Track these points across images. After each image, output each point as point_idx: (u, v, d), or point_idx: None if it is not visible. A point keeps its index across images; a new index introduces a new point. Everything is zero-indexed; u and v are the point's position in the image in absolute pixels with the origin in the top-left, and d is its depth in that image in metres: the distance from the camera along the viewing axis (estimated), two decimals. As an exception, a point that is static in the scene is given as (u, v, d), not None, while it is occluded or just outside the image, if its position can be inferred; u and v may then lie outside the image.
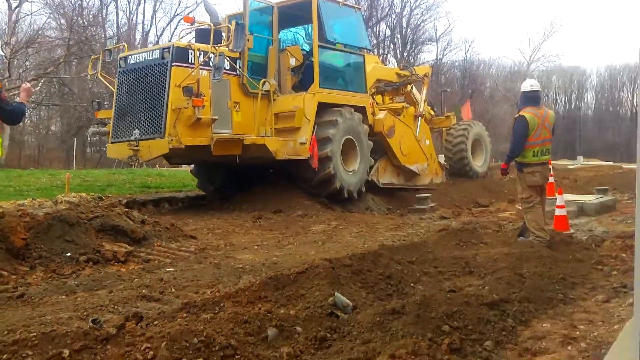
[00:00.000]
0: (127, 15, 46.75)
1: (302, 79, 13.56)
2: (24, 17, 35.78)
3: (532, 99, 7.97)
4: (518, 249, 6.94)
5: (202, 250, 7.88)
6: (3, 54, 27.60)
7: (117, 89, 11.81)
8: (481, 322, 4.19)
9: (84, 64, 28.31)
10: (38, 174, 19.66)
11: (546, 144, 7.86)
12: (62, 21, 35.93)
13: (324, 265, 5.06)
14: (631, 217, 10.58)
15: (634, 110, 71.29)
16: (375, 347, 3.65)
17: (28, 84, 7.42)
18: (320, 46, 13.09)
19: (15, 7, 34.13)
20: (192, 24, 12.06)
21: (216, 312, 4.18)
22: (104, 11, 43.66)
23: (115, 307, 4.91)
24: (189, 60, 11.20)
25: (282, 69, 13.34)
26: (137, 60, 11.62)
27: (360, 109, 13.83)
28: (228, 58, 11.42)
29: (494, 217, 12.10)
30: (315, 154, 12.02)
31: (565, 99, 74.22)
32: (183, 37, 19.92)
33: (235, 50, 11.18)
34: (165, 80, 10.94)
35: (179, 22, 44.61)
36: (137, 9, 46.95)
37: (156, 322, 4.02)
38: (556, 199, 9.48)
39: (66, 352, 3.43)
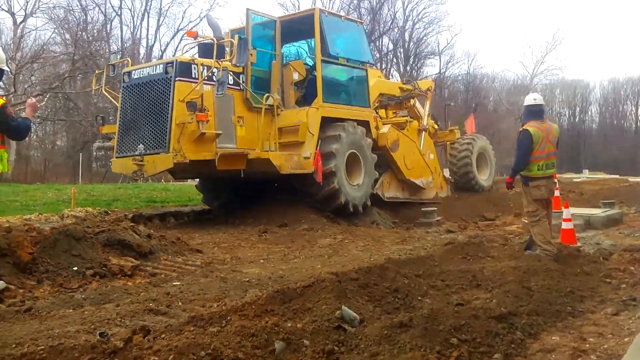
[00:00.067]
0: (131, 30, 47.02)
1: (306, 93, 13.60)
2: (29, 32, 36.21)
3: (535, 112, 7.97)
4: (525, 262, 6.91)
5: (208, 264, 7.88)
6: (8, 70, 27.80)
7: (121, 103, 11.85)
8: (489, 335, 4.17)
9: (88, 79, 28.46)
10: (44, 189, 19.68)
11: (551, 158, 7.85)
12: (67, 36, 36.27)
13: (331, 278, 5.05)
14: (639, 230, 10.56)
15: (638, 124, 71.28)
16: (384, 360, 3.64)
17: (33, 99, 7.45)
18: (323, 60, 13.14)
19: (20, 23, 34.51)
20: (195, 38, 12.12)
21: (223, 325, 4.17)
22: (108, 26, 44.04)
23: (123, 320, 4.90)
24: (193, 75, 11.24)
25: (286, 84, 13.39)
26: (141, 75, 11.66)
27: (364, 123, 13.86)
28: (231, 73, 11.45)
29: (500, 230, 12.06)
30: (319, 168, 12.01)
31: (569, 112, 74.10)
32: (187, 51, 20.00)
33: (238, 64, 11.19)
34: (169, 95, 10.98)
35: (182, 36, 44.95)
36: (141, 23, 47.28)
37: (163, 336, 4.00)
38: (562, 212, 9.46)
39: (74, 365, 3.43)
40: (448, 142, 19.44)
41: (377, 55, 49.53)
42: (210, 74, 11.09)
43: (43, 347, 3.66)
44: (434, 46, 56.66)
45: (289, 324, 4.17)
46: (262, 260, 8.39)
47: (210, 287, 6.33)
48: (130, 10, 47.45)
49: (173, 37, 48.49)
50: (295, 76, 13.50)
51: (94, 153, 33.68)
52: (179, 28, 47.31)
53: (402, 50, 54.26)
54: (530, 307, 4.98)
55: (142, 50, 46.83)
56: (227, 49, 11.59)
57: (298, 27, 13.86)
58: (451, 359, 3.72)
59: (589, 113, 75.42)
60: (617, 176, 32.69)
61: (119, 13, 44.94)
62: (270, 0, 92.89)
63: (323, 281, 5.00)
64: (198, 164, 11.25)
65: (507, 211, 15.49)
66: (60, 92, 30.27)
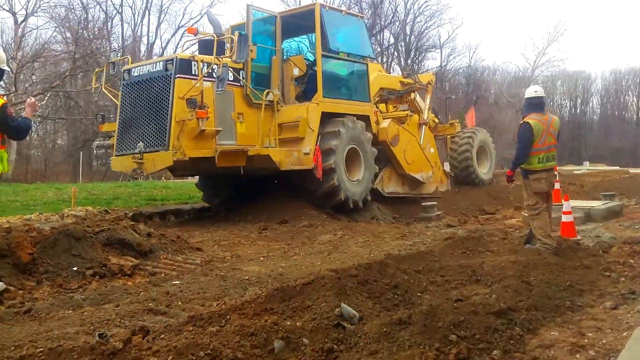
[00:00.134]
0: (132, 28, 47.07)
1: (306, 88, 13.58)
2: (30, 31, 36.15)
3: (536, 105, 7.95)
4: (525, 257, 6.90)
5: (208, 263, 7.88)
6: (9, 69, 27.80)
7: (121, 101, 11.84)
8: (489, 331, 4.17)
9: (89, 77, 28.43)
10: (44, 188, 19.72)
11: (551, 150, 7.83)
12: (68, 35, 36.24)
13: (330, 276, 5.05)
14: (639, 222, 10.54)
15: (640, 115, 71.16)
16: (382, 357, 3.64)
17: (33, 99, 7.44)
18: (323, 55, 13.11)
19: (21, 22, 34.49)
20: (196, 35, 12.11)
21: (222, 324, 4.17)
22: (109, 24, 44.06)
23: (122, 321, 4.91)
24: (193, 72, 11.22)
25: (286, 79, 13.36)
26: (141, 73, 11.65)
27: (364, 118, 13.83)
28: (231, 69, 11.42)
29: (500, 224, 12.06)
30: (319, 164, 12.00)
31: (570, 104, 74.01)
32: (187, 48, 20.01)
33: (238, 61, 11.15)
34: (169, 92, 10.97)
35: (183, 33, 45.02)
36: (141, 21, 47.30)
37: (162, 336, 4.01)
38: (562, 205, 9.45)
39: (73, 367, 3.43)
40: (448, 136, 19.42)
41: (378, 49, 49.45)
42: (210, 71, 11.07)
43: (42, 349, 3.67)
44: (435, 39, 56.60)
45: (288, 323, 4.17)
46: (262, 258, 8.39)
47: (209, 286, 6.34)
48: (131, 8, 47.43)
49: (174, 34, 48.70)
50: (296, 71, 13.47)
51: (94, 151, 33.68)
52: (180, 25, 47.45)
53: (403, 43, 54.18)
54: (529, 302, 4.98)
55: (143, 48, 46.93)
56: (228, 45, 11.55)
57: (299, 22, 13.82)
58: (450, 356, 3.71)
59: (590, 104, 75.44)
60: (617, 168, 32.68)
61: (120, 11, 45.00)
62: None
63: (322, 278, 5.00)
64: (198, 161, 11.25)
65: (507, 205, 15.51)
66: (61, 90, 30.29)
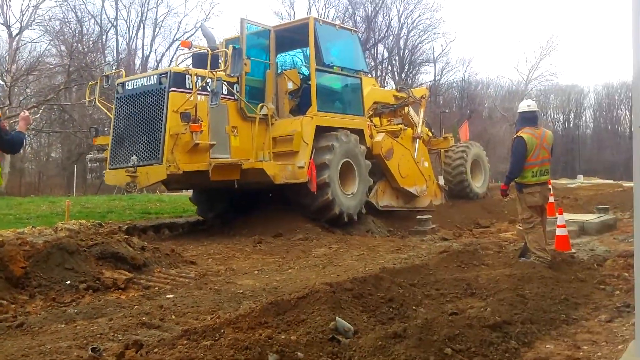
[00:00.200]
0: (127, 41, 47.21)
1: (300, 102, 13.60)
2: (25, 44, 36.14)
3: (529, 119, 8.00)
4: (520, 270, 6.92)
5: (202, 276, 7.85)
6: (3, 83, 27.79)
7: (115, 115, 11.81)
8: (484, 344, 4.16)
9: (84, 91, 28.40)
10: (38, 202, 19.65)
11: (545, 164, 7.87)
12: (62, 48, 36.26)
13: (325, 289, 5.04)
14: (632, 235, 10.56)
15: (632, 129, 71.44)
16: (378, 372, 3.62)
17: (27, 113, 7.43)
18: (317, 69, 13.12)
19: (16, 35, 34.47)
20: (190, 48, 12.12)
21: (216, 338, 4.15)
22: (104, 37, 44.19)
23: (115, 335, 4.87)
24: (187, 86, 11.22)
25: (280, 93, 13.39)
26: (135, 86, 11.64)
27: (358, 132, 13.84)
28: (225, 83, 11.44)
29: (495, 237, 12.07)
30: (313, 177, 12.00)
31: (563, 117, 74.43)
32: (181, 62, 20.02)
33: (232, 75, 11.14)
34: (163, 106, 10.95)
35: (178, 47, 44.98)
36: (136, 34, 47.45)
37: (156, 350, 3.98)
38: (557, 218, 9.47)
39: (65, 382, 3.40)
40: (442, 150, 19.46)
41: (372, 63, 49.73)
42: (204, 84, 11.09)
43: (34, 363, 3.64)
44: (429, 53, 56.82)
45: (283, 336, 4.15)
46: (256, 272, 8.36)
47: (204, 300, 6.31)
48: (126, 22, 47.47)
49: (168, 48, 48.69)
50: (290, 85, 13.50)
51: (88, 165, 33.61)
52: (175, 38, 47.49)
53: (397, 57, 54.54)
54: (524, 316, 4.98)
55: (138, 61, 47.00)
56: (222, 59, 11.57)
57: (293, 36, 13.86)
58: (445, 369, 3.70)
59: (584, 118, 75.90)
60: (611, 181, 32.79)
61: (114, 24, 45.21)
62: (265, 10, 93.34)
63: (317, 292, 4.99)
64: (192, 174, 11.21)
65: (502, 218, 15.52)
66: (55, 103, 30.23)
